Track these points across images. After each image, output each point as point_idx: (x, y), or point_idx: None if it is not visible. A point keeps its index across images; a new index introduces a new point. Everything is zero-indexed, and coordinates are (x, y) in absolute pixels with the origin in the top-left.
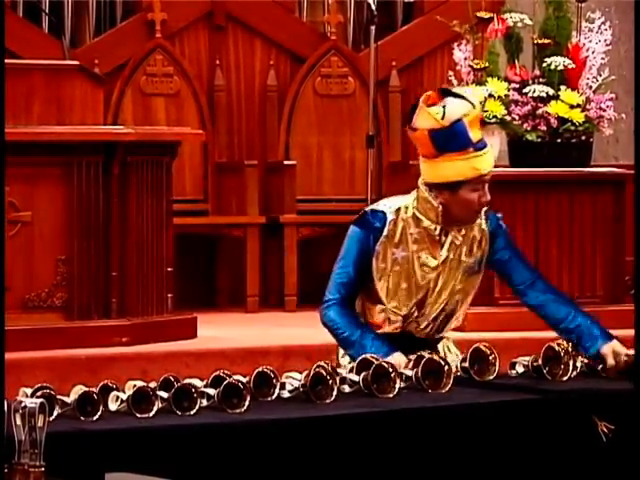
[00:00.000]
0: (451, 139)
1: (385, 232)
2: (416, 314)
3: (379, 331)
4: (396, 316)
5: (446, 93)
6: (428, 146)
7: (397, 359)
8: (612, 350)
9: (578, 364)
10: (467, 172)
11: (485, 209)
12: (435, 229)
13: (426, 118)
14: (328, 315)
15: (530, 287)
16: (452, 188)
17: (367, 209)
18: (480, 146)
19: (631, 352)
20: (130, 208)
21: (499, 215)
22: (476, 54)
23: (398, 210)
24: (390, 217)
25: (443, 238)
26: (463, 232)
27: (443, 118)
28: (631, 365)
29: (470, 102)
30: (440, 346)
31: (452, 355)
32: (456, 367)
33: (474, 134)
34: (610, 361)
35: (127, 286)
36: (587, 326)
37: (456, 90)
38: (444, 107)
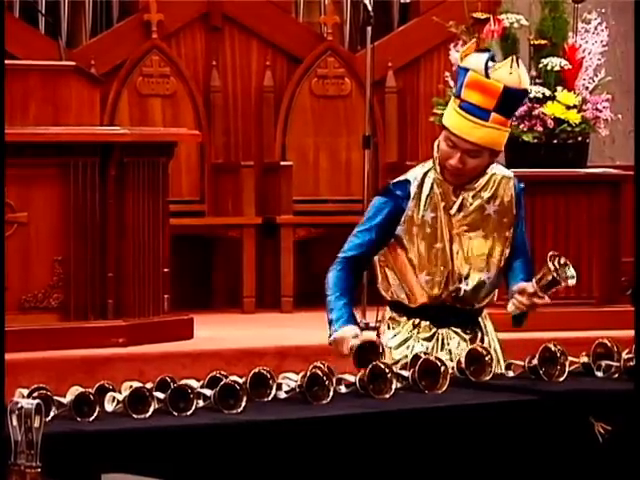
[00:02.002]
0: (457, 80)
1: (412, 196)
2: (450, 279)
3: (419, 304)
4: (432, 285)
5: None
6: None
7: (345, 331)
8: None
9: (574, 364)
10: (447, 119)
11: (514, 180)
12: (449, 188)
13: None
14: (329, 275)
15: (513, 262)
16: (443, 129)
17: (391, 182)
18: (467, 108)
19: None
20: (126, 209)
21: (521, 185)
22: None
23: (422, 174)
24: (414, 182)
25: (454, 198)
26: (473, 193)
27: (462, 60)
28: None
29: (488, 61)
30: (481, 320)
31: (489, 336)
32: (452, 368)
33: (467, 93)
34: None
35: (123, 287)
36: (518, 269)
37: (506, 63)
38: (474, 53)
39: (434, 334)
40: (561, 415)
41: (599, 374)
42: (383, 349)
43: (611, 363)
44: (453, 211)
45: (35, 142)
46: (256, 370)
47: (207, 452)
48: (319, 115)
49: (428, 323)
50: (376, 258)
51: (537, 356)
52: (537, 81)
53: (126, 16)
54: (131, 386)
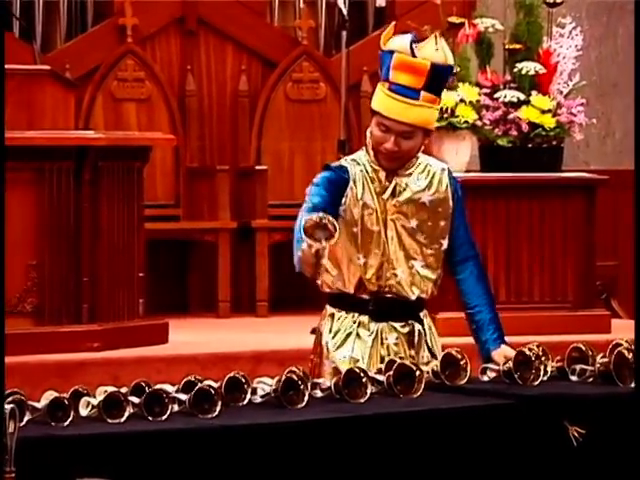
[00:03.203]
0: (382, 65)
1: (350, 178)
2: (384, 263)
3: (358, 295)
4: (367, 268)
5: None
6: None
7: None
8: (502, 354)
9: (549, 368)
10: (377, 104)
11: (450, 171)
12: (380, 171)
13: (381, 42)
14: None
15: (462, 263)
16: (373, 114)
17: (328, 163)
18: (395, 89)
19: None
20: (101, 213)
21: (457, 180)
22: None
23: (355, 161)
24: (350, 168)
25: (387, 183)
26: (407, 180)
27: (385, 44)
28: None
29: (412, 43)
30: (422, 316)
31: (430, 335)
32: (427, 372)
33: (395, 75)
34: (499, 362)
35: (98, 291)
36: (486, 323)
37: (430, 41)
38: (396, 36)
39: (374, 330)
40: (536, 419)
41: (574, 378)
42: (336, 229)
43: (586, 367)
44: (386, 195)
45: (10, 146)
46: (231, 374)
47: (182, 457)
48: (294, 119)
49: (367, 318)
50: None
51: (512, 360)
52: (512, 85)
53: (101, 20)
54: (106, 391)
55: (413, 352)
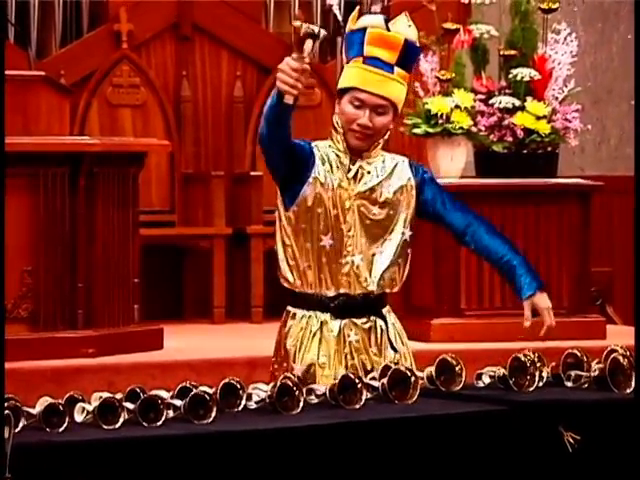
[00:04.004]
0: (351, 44)
1: (315, 158)
2: (343, 248)
3: (318, 292)
4: (324, 252)
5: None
6: (344, 54)
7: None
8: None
9: (544, 374)
10: (350, 80)
11: (410, 161)
12: (344, 156)
13: (347, 25)
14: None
15: (466, 230)
16: (340, 96)
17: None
18: (372, 63)
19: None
20: (96, 219)
21: (422, 166)
22: (442, 65)
23: (319, 146)
24: (315, 149)
25: (351, 166)
26: (369, 167)
27: (355, 23)
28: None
29: (384, 22)
30: (385, 313)
31: (394, 330)
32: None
33: (370, 49)
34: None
35: (93, 297)
36: (517, 269)
37: (402, 18)
38: (364, 16)
39: (336, 328)
40: (531, 425)
41: (569, 384)
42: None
43: (581, 373)
44: (350, 175)
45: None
46: (226, 380)
47: (177, 463)
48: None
49: (329, 315)
50: (279, 245)
51: (507, 366)
52: (507, 91)
53: (96, 26)
54: (101, 397)
55: (375, 349)
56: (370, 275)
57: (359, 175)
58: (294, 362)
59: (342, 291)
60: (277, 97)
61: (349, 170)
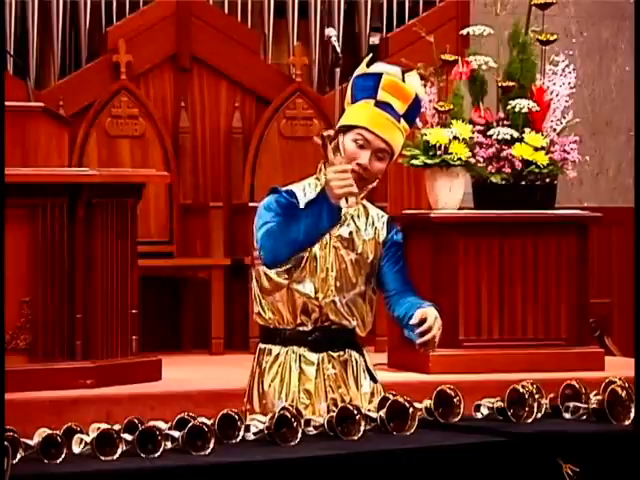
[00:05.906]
0: (363, 87)
1: (300, 203)
2: (324, 287)
3: (296, 327)
4: (309, 295)
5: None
6: (349, 94)
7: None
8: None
9: (543, 406)
10: (359, 118)
11: (389, 219)
12: None
13: (359, 68)
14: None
15: (398, 295)
16: (344, 133)
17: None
18: (384, 107)
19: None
20: (95, 250)
21: (398, 229)
22: (441, 96)
23: (303, 187)
24: (299, 193)
25: None
26: (351, 210)
27: (368, 67)
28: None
29: (401, 73)
30: (358, 342)
31: (365, 360)
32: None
33: (384, 95)
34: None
35: (92, 328)
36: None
37: (416, 74)
38: (377, 63)
39: (315, 362)
40: (529, 456)
41: (567, 416)
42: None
43: (579, 405)
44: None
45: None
46: (224, 412)
47: None
48: (288, 156)
49: (306, 350)
50: (254, 283)
51: (505, 397)
52: (505, 123)
53: (95, 57)
54: (99, 428)
55: (352, 381)
56: (348, 314)
57: (342, 220)
58: (278, 399)
59: (318, 325)
60: (327, 215)
61: None
